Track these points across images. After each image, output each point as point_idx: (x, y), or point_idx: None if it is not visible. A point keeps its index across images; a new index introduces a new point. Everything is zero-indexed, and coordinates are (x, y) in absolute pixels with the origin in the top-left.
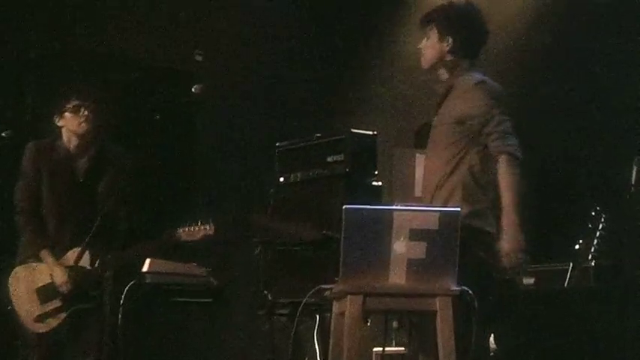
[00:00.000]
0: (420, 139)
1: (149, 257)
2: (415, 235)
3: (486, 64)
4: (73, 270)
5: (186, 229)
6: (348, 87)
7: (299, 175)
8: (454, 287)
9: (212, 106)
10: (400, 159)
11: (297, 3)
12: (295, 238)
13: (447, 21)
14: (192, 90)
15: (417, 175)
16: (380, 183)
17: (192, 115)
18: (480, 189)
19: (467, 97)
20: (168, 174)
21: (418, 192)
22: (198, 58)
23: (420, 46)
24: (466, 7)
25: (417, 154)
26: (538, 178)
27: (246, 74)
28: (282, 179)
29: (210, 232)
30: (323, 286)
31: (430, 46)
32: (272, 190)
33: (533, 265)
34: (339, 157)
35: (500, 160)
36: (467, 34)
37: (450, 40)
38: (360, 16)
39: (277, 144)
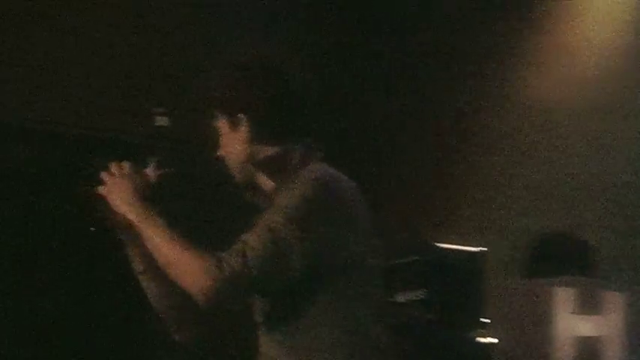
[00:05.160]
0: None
1: None
2: None
3: None
4: None
5: None
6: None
7: None
8: None
9: None
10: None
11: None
12: None
13: (230, 86)
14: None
15: (558, 323)
16: (494, 339)
17: None
18: None
19: None
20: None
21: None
22: (161, 121)
23: (217, 153)
24: (255, 66)
25: (554, 286)
26: None
27: None
28: None
29: None
30: None
31: (226, 141)
32: None
33: None
34: (416, 295)
35: None
36: (273, 100)
37: (244, 118)
38: None
39: None
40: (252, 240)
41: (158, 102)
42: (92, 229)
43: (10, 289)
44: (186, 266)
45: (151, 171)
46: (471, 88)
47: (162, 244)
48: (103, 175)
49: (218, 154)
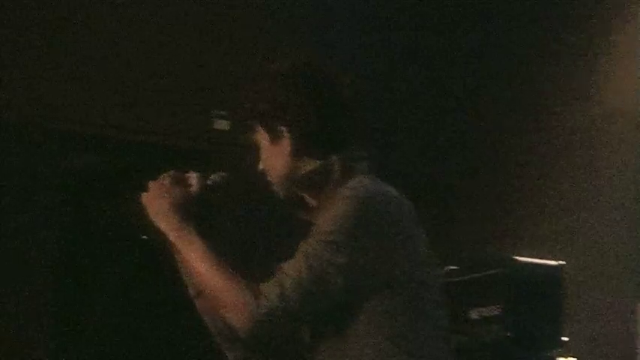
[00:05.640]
0: None
1: None
2: None
3: None
4: None
5: None
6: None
7: None
8: None
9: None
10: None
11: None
12: None
13: (268, 102)
14: (208, 182)
15: None
16: (574, 359)
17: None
18: None
19: None
20: None
21: None
22: (221, 125)
23: (260, 166)
24: (296, 71)
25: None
26: None
27: None
28: None
29: None
30: None
31: (266, 157)
32: None
33: None
34: (492, 311)
35: None
36: (313, 110)
37: (285, 131)
38: None
39: None
40: (290, 268)
41: (219, 105)
42: (144, 236)
43: (60, 293)
44: (223, 297)
45: (197, 181)
46: (554, 90)
47: (199, 267)
48: (149, 183)
49: (259, 168)
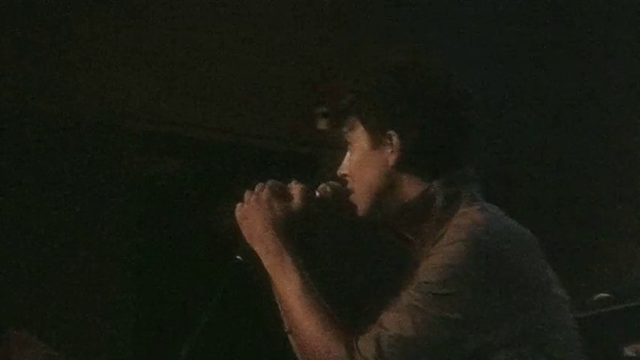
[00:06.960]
0: None
1: None
2: None
3: None
4: None
5: None
6: None
7: None
8: None
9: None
10: None
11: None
12: None
13: (381, 98)
14: (316, 195)
15: None
16: None
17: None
18: None
19: None
20: None
21: None
22: (323, 124)
23: (341, 171)
24: (415, 68)
25: None
26: None
27: None
28: None
29: None
30: None
31: (358, 162)
32: None
33: None
34: None
35: None
36: (436, 116)
37: (395, 137)
38: None
39: None
40: (390, 322)
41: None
42: (238, 257)
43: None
44: (314, 343)
45: (301, 194)
46: None
47: (293, 304)
48: (245, 194)
49: (342, 172)
